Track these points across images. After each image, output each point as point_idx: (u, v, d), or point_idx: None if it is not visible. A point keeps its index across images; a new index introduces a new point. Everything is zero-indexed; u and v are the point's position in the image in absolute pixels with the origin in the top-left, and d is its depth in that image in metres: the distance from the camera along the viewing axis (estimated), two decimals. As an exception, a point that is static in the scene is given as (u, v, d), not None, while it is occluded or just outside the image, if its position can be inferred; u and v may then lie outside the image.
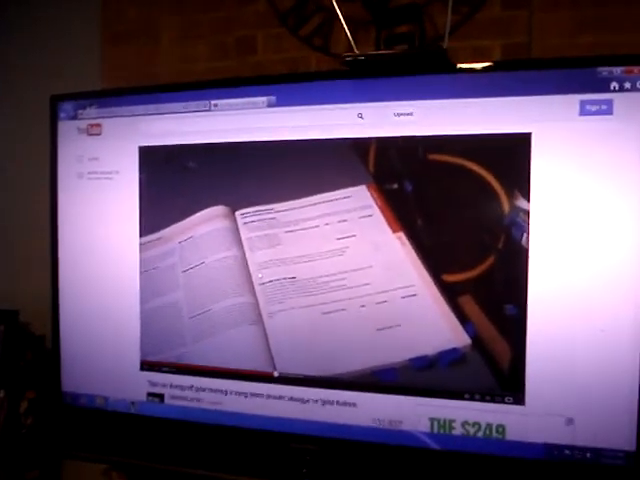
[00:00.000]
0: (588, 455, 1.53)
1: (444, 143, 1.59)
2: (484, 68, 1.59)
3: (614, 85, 1.51)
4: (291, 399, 1.70)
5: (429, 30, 1.84)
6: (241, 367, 1.73)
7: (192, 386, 1.79)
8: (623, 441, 1.50)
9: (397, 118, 1.62)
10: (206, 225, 1.76)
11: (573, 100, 1.52)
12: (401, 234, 1.61)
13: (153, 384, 1.83)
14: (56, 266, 1.91)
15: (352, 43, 1.70)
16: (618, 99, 1.50)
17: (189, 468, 1.79)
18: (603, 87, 1.51)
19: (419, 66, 1.62)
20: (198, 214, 1.77)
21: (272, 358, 1.70)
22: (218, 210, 1.75)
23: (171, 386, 1.81)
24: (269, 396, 1.72)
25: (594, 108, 1.52)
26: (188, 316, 1.77)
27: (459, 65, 1.59)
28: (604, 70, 1.51)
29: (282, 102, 1.71)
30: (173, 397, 1.81)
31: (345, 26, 1.65)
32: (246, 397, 1.74)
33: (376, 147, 1.63)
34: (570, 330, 1.52)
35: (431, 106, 1.60)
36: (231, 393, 1.76)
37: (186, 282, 1.78)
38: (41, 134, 1.92)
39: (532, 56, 1.84)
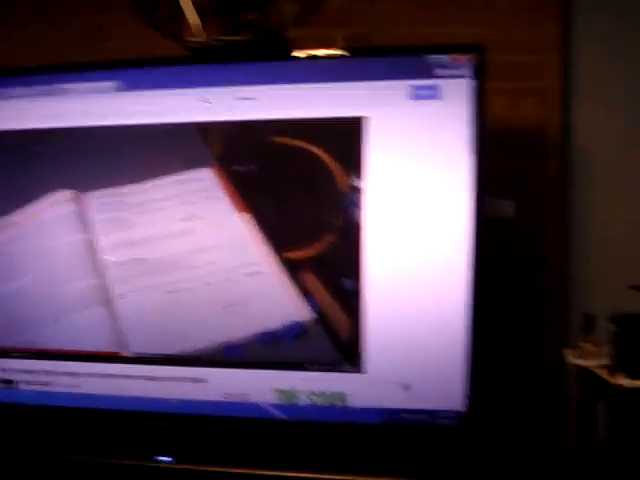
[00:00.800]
0: (424, 417, 1.64)
1: (285, 126, 1.66)
2: (322, 56, 1.67)
3: (441, 72, 1.62)
4: (144, 378, 1.73)
5: (275, 19, 1.90)
6: (94, 349, 1.75)
7: (44, 370, 1.79)
8: (455, 403, 1.62)
9: (241, 102, 1.67)
10: (54, 209, 1.76)
11: (404, 85, 1.62)
12: (246, 214, 1.67)
13: (3, 370, 1.81)
14: None
15: (199, 30, 1.74)
16: (445, 85, 1.61)
17: (46, 453, 1.78)
18: (431, 73, 1.62)
19: (261, 53, 1.68)
20: (46, 198, 1.77)
21: (124, 338, 1.72)
22: (66, 194, 1.76)
23: (23, 371, 1.80)
24: (123, 376, 1.74)
25: (423, 93, 1.62)
26: (38, 300, 1.77)
27: (299, 53, 1.67)
28: (432, 57, 1.62)
29: (130, 87, 1.74)
30: (25, 382, 1.80)
31: (188, 14, 1.69)
32: (100, 378, 1.76)
33: (221, 130, 1.69)
34: (406, 302, 1.62)
35: (273, 91, 1.67)
36: (85, 375, 1.77)
37: (35, 266, 1.78)
38: None
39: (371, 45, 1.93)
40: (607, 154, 1.88)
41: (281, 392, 1.67)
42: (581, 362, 1.71)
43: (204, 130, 1.69)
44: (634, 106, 1.87)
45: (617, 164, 1.88)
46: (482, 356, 1.60)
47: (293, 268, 1.65)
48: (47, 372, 1.79)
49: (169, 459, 1.73)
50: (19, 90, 1.79)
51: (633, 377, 1.57)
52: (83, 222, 1.75)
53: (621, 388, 1.57)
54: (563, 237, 1.89)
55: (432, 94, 1.62)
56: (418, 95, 1.62)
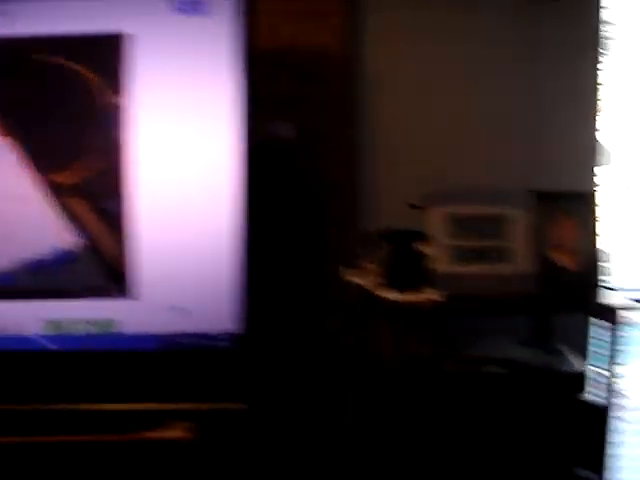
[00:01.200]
0: (200, 341, 1.63)
1: (44, 44, 1.57)
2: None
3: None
4: None
5: None
6: None
7: None
8: (231, 325, 1.61)
9: (-4, 18, 1.57)
10: None
11: (168, -1, 1.57)
12: (5, 137, 1.58)
13: None
14: None
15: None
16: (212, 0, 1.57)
17: None
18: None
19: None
20: None
21: None
22: None
23: None
24: None
25: (188, 8, 1.57)
26: None
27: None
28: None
29: None
30: None
31: None
32: None
33: (-26, 48, 1.58)
34: (177, 225, 1.60)
35: (30, 5, 1.57)
36: None
37: None
38: None
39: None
40: (393, 75, 1.88)
41: (50, 322, 1.61)
42: (358, 280, 1.73)
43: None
44: (421, 27, 1.88)
45: (402, 85, 1.89)
46: (259, 278, 1.60)
47: (59, 192, 1.59)
48: None
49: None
50: None
51: (402, 291, 1.60)
52: None
53: (391, 302, 1.60)
54: (350, 158, 1.89)
55: (198, 9, 1.57)
56: (183, 10, 1.57)
